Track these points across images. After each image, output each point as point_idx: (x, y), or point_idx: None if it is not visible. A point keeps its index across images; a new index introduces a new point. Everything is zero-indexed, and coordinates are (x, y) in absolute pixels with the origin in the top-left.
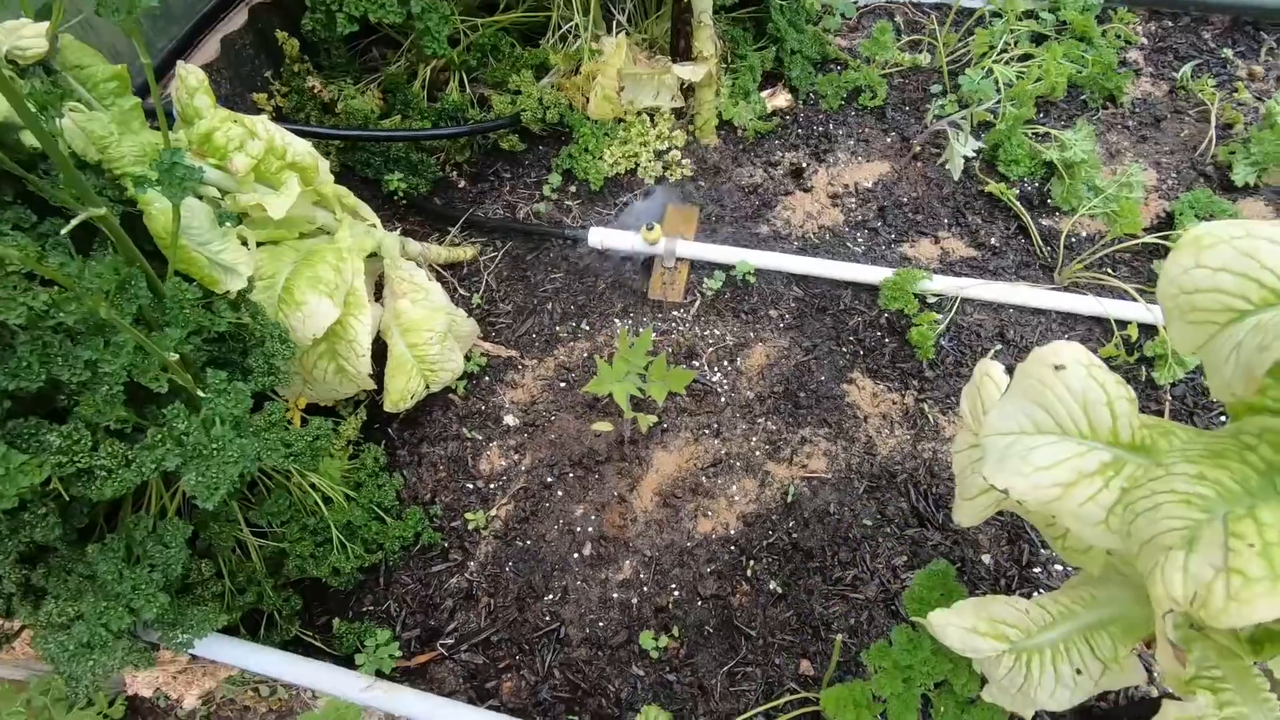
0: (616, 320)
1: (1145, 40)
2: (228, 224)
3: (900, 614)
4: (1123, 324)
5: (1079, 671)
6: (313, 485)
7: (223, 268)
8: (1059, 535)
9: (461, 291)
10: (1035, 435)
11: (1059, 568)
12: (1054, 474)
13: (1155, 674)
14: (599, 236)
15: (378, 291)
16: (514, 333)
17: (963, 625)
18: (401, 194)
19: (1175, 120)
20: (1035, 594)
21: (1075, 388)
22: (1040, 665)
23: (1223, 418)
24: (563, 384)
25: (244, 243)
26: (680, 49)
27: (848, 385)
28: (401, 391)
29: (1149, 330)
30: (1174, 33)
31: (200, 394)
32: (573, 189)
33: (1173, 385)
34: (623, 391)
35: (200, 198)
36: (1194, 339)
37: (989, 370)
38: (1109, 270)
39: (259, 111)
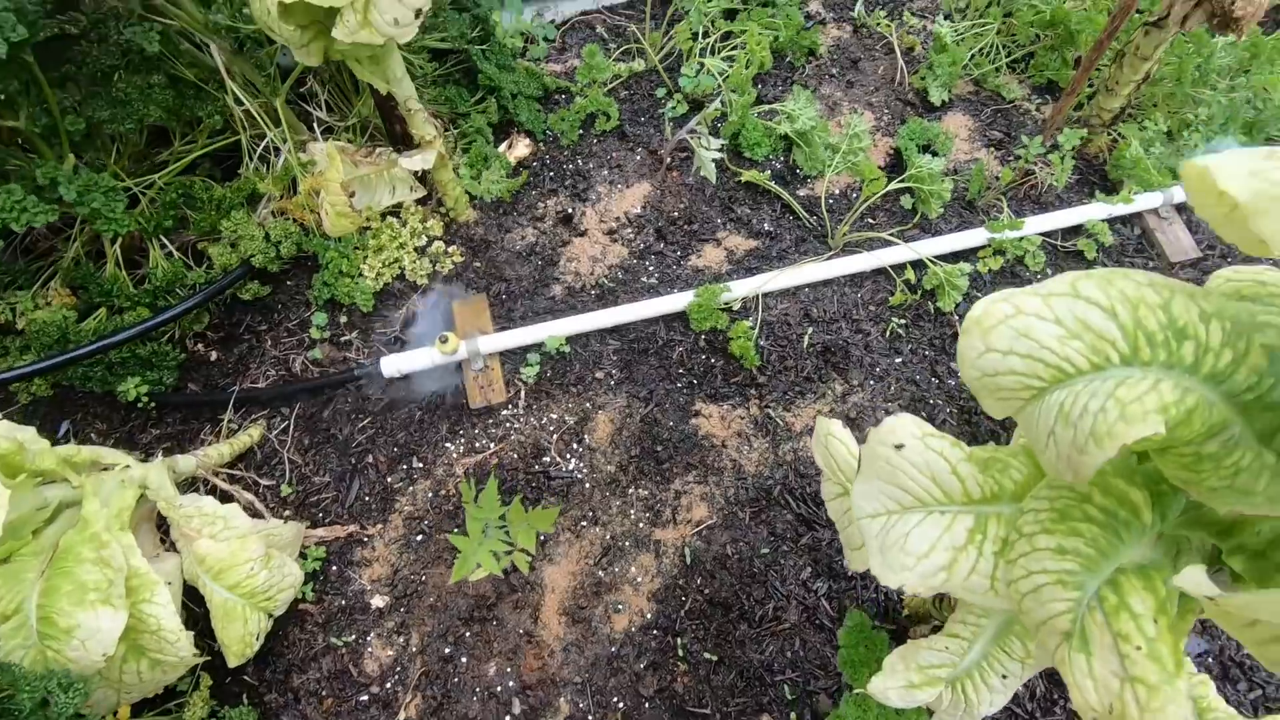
0: (448, 444)
1: None
2: None
3: (825, 624)
4: (899, 268)
5: (1005, 676)
6: None
7: None
8: None
9: (265, 482)
10: (902, 514)
11: None
12: (933, 559)
13: None
14: (393, 365)
15: (162, 524)
16: (343, 505)
17: (899, 685)
18: (146, 398)
19: (869, 59)
20: None
21: (919, 462)
22: (974, 686)
23: None
24: (419, 537)
25: None
26: (399, 135)
27: (696, 419)
28: (241, 641)
29: (921, 266)
30: None
31: None
32: (343, 319)
33: (956, 307)
34: (491, 560)
35: None
36: (1006, 411)
37: (830, 429)
38: (870, 221)
39: None
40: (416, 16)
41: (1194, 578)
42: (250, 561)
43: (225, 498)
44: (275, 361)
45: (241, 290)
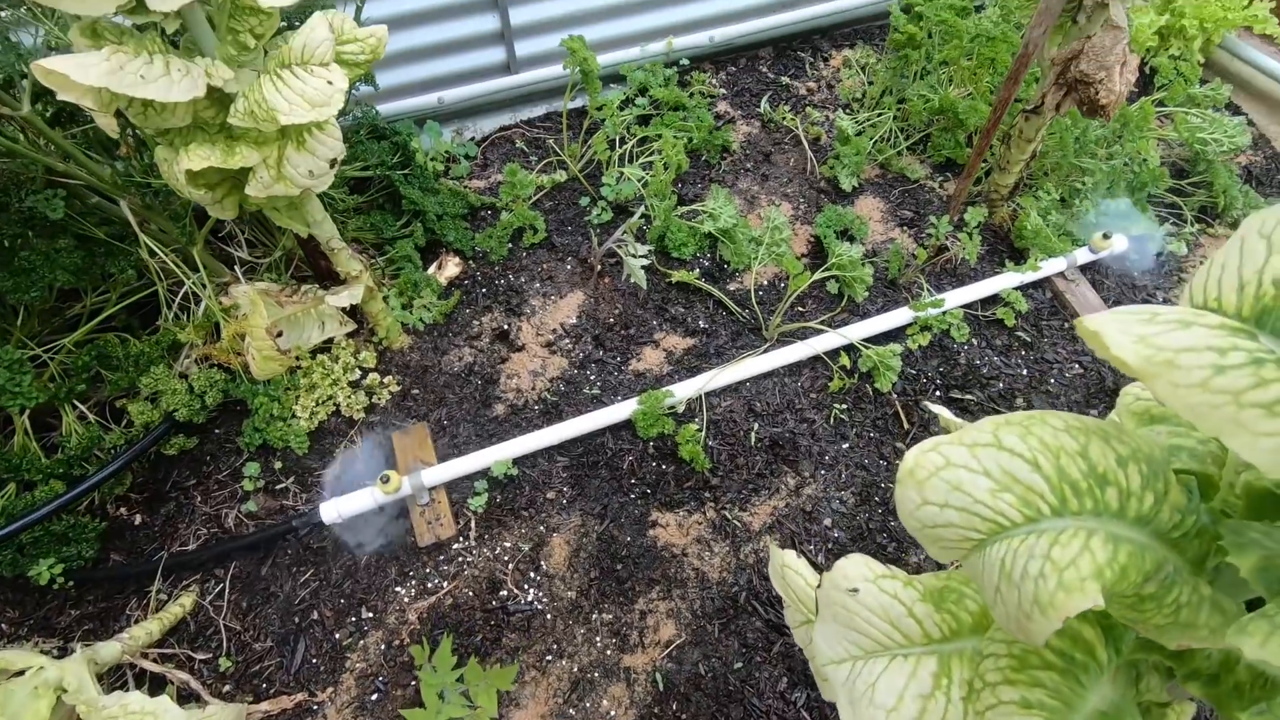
0: (398, 589)
1: (724, 90)
2: None
3: None
4: (834, 354)
5: None
6: None
7: None
8: None
9: (201, 657)
10: (866, 659)
11: None
12: (903, 713)
13: None
14: (333, 510)
15: None
16: (288, 671)
17: None
18: (62, 578)
19: (779, 151)
20: None
21: (874, 606)
22: None
23: (939, 392)
24: (374, 696)
25: None
26: (325, 270)
27: (654, 530)
28: None
29: (855, 350)
30: (740, 75)
31: None
32: (278, 465)
33: (893, 386)
34: None
35: None
36: (951, 558)
37: (784, 560)
38: (800, 309)
39: None
40: (331, 166)
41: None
42: None
43: (157, 681)
44: (206, 519)
45: (166, 446)
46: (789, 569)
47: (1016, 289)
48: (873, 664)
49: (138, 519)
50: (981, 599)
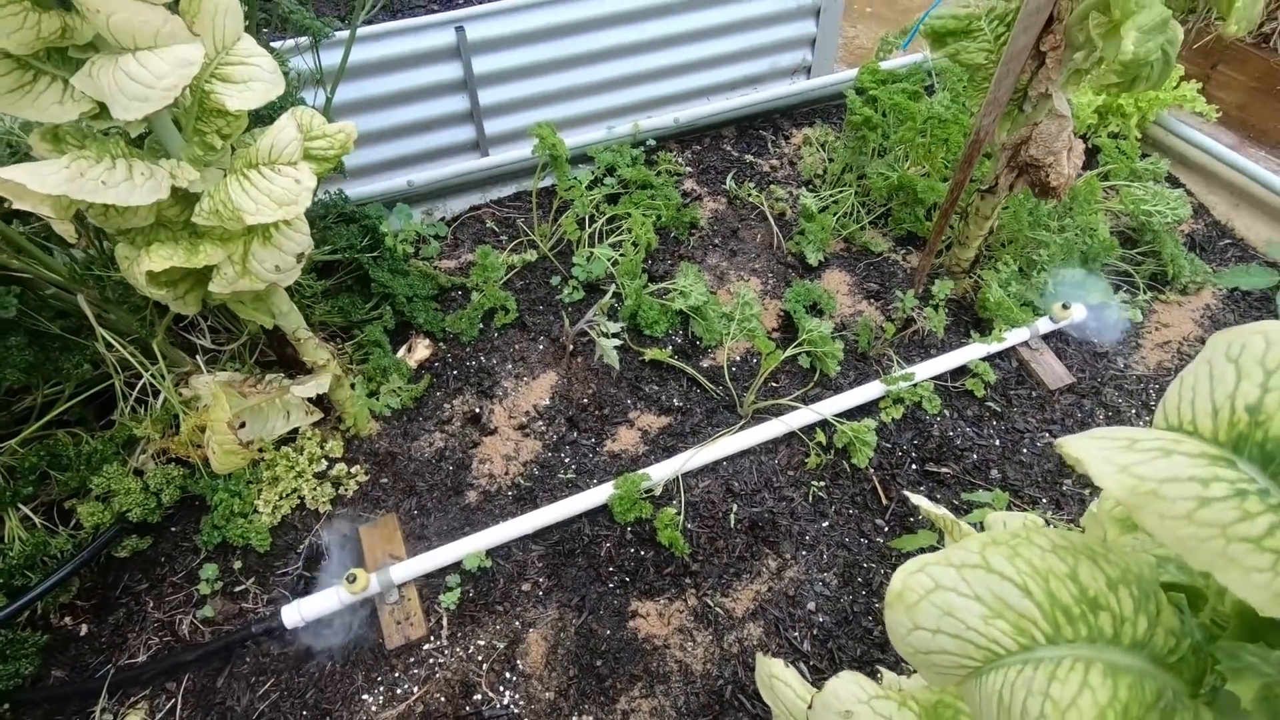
0: (365, 697)
1: (689, 168)
2: None
3: None
4: (809, 430)
5: None
6: None
7: None
8: None
9: None
10: None
11: None
12: None
13: None
14: (295, 614)
15: None
16: None
17: None
18: None
19: (746, 227)
20: None
21: None
22: None
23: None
24: None
25: None
26: (290, 358)
27: (634, 621)
28: None
29: (830, 425)
30: (705, 153)
31: None
32: (237, 564)
33: (869, 462)
34: None
35: None
36: (946, 684)
37: (771, 670)
38: (774, 384)
39: None
40: (298, 260)
41: None
42: None
43: None
44: (159, 626)
45: (117, 548)
46: (777, 680)
47: (984, 359)
48: None
49: (84, 629)
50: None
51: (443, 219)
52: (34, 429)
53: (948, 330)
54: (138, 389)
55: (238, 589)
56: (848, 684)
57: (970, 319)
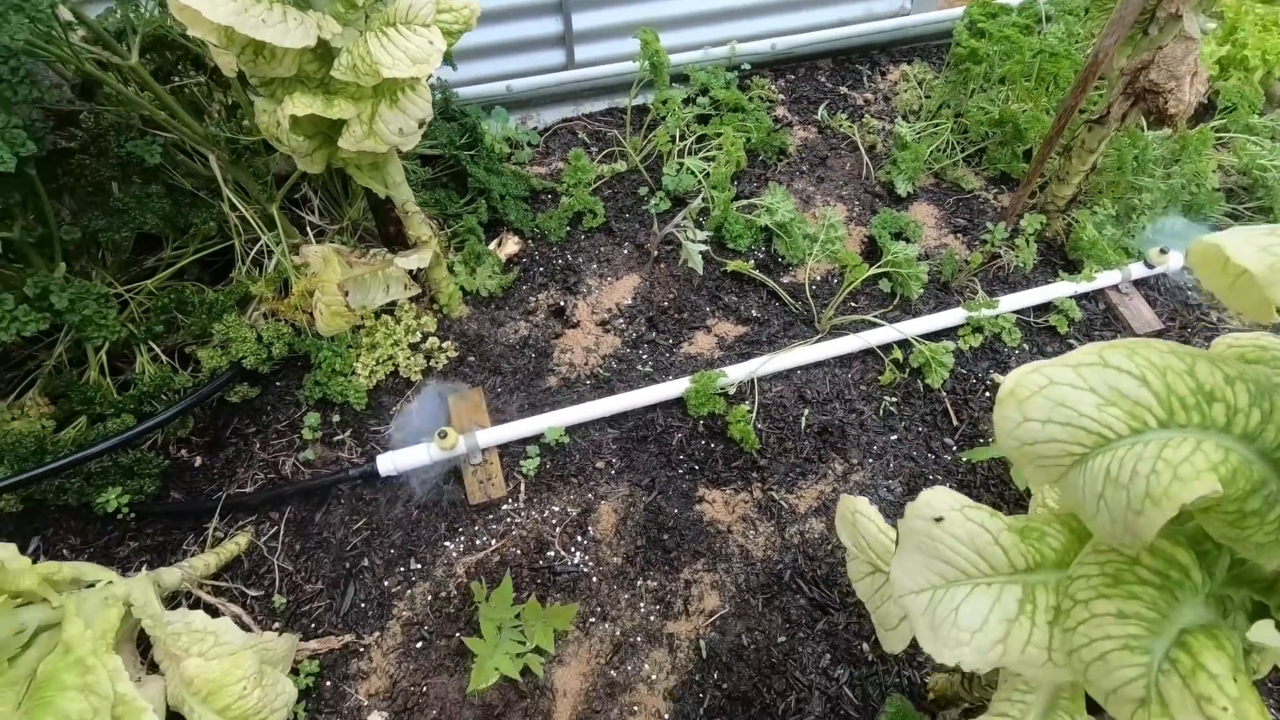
0: (447, 543)
1: (782, 96)
2: None
3: (850, 713)
4: (886, 348)
5: None
6: None
7: None
8: None
9: (253, 593)
10: (947, 588)
11: None
12: (989, 634)
13: None
14: (389, 463)
15: (141, 642)
16: (337, 613)
17: None
18: (126, 509)
19: (835, 156)
20: None
21: (960, 535)
22: None
23: (989, 396)
24: (419, 644)
25: None
26: (393, 235)
27: (700, 505)
28: None
29: (906, 345)
30: (798, 83)
31: None
32: (335, 418)
33: (943, 384)
34: (509, 663)
35: None
36: (1047, 478)
37: (856, 507)
38: (853, 305)
39: None
40: (420, 126)
41: (1266, 632)
42: (243, 681)
43: (211, 611)
44: (264, 465)
45: (229, 393)
46: (861, 515)
47: (1071, 298)
48: (954, 591)
49: (198, 461)
50: (1064, 537)
51: (535, 128)
52: (161, 279)
53: (1034, 269)
54: (253, 253)
55: (335, 439)
56: (941, 494)
57: (1059, 260)
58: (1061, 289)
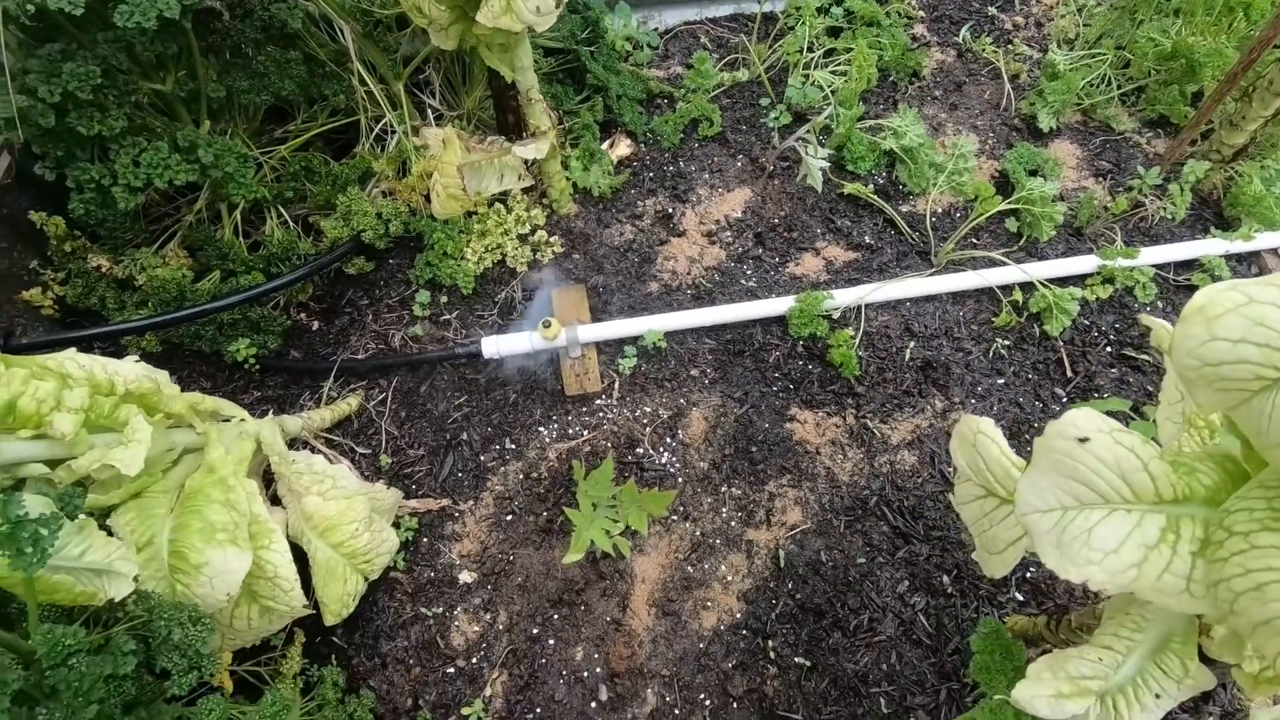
0: (541, 429)
1: (923, 13)
2: (79, 515)
3: (922, 639)
4: (1005, 289)
5: (1158, 695)
6: None
7: (94, 573)
8: None
9: (362, 450)
10: (1080, 510)
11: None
12: (1123, 556)
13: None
14: (493, 346)
15: (265, 480)
16: (436, 479)
17: (1047, 694)
18: (253, 360)
19: (973, 83)
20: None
21: (1107, 458)
22: (1126, 703)
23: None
24: (509, 516)
25: (105, 526)
26: (510, 125)
27: (790, 424)
28: (340, 600)
29: (1027, 289)
30: (944, 1)
31: None
32: (444, 299)
33: (1062, 333)
34: (604, 537)
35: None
36: (1224, 404)
37: (980, 427)
38: (973, 241)
39: (37, 310)
40: (557, 5)
41: None
42: (356, 522)
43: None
44: (375, 335)
45: (348, 265)
46: (984, 435)
47: (1220, 257)
48: (1088, 514)
49: (315, 325)
50: (1216, 475)
51: (656, 29)
52: (292, 145)
53: (1181, 224)
54: (376, 131)
55: (441, 319)
56: (1088, 413)
57: (1212, 216)
58: (1213, 245)
